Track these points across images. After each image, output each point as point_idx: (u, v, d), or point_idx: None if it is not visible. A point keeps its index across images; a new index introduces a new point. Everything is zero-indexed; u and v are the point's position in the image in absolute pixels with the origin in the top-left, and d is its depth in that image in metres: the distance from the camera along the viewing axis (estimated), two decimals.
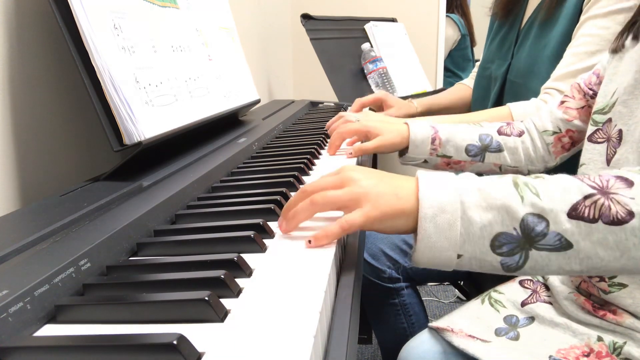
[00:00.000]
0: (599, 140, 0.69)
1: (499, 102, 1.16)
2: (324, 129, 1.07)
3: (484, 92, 1.24)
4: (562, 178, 0.46)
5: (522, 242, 0.44)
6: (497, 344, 0.65)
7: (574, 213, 0.43)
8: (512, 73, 1.11)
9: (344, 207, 0.49)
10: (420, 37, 2.05)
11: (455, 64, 2.46)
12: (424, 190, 0.46)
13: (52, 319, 0.38)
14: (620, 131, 0.65)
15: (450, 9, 2.45)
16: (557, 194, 0.44)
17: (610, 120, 0.67)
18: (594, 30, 0.92)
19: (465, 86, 1.41)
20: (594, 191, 0.44)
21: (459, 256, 0.45)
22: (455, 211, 0.44)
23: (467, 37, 2.49)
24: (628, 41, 0.69)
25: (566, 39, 0.98)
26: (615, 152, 0.65)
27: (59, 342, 0.34)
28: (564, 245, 0.43)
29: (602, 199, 0.43)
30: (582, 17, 0.95)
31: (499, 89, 1.15)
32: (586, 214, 0.43)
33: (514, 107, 0.98)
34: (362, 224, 0.47)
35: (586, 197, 0.43)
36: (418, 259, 0.46)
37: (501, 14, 1.19)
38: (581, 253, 0.43)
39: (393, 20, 1.93)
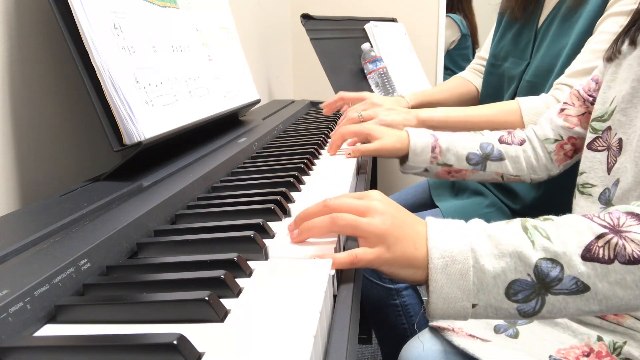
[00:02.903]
0: (599, 148, 0.69)
1: None
2: (324, 129, 1.07)
3: (494, 90, 1.21)
4: (571, 218, 0.45)
5: (538, 288, 0.43)
6: (497, 342, 0.65)
7: (588, 255, 0.42)
8: (528, 73, 1.08)
9: (361, 236, 0.48)
10: (420, 37, 2.05)
11: (455, 64, 2.45)
12: (433, 240, 0.45)
13: (52, 319, 0.38)
14: (620, 140, 0.65)
15: (452, 9, 2.44)
16: (568, 236, 0.43)
17: (609, 128, 0.67)
18: (614, 28, 0.90)
19: (464, 79, 1.35)
20: (606, 230, 0.43)
21: (473, 305, 0.44)
22: (466, 260, 0.44)
23: (469, 37, 2.47)
24: (625, 47, 0.68)
25: (588, 36, 0.96)
26: (615, 161, 0.65)
27: (59, 342, 0.34)
28: (580, 288, 0.42)
29: (615, 238, 0.42)
30: (605, 13, 0.93)
31: (514, 90, 1.12)
32: (601, 255, 0.42)
33: (523, 102, 0.96)
34: (371, 262, 0.46)
35: (599, 237, 0.42)
36: (433, 311, 0.45)
37: (516, 13, 1.14)
38: (599, 295, 0.42)
39: (393, 20, 1.93)
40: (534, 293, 0.43)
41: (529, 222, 0.46)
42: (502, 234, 0.45)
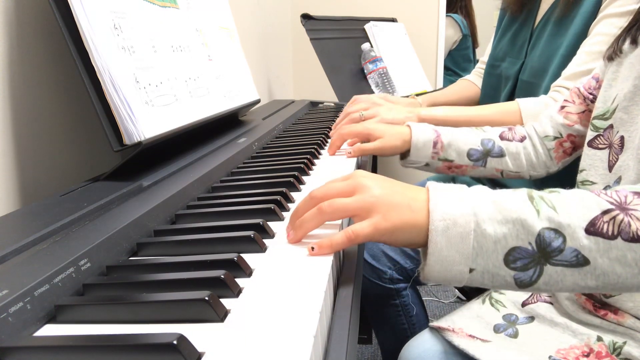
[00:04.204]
0: (600, 146, 0.69)
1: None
2: (324, 129, 1.07)
3: (493, 91, 1.21)
4: (578, 192, 0.45)
5: (537, 257, 0.43)
6: (497, 342, 0.65)
7: (592, 229, 0.42)
8: (524, 73, 1.08)
9: (353, 215, 0.47)
10: (420, 37, 2.05)
11: (456, 64, 2.45)
12: (435, 202, 0.44)
13: (52, 319, 0.38)
14: (622, 138, 0.65)
15: (453, 9, 2.44)
16: (574, 209, 0.43)
17: (611, 126, 0.67)
18: (610, 29, 0.90)
19: (469, 82, 1.37)
20: (612, 207, 0.42)
21: (470, 270, 0.43)
22: (468, 224, 0.43)
23: (469, 37, 2.48)
24: (626, 46, 0.68)
25: (583, 37, 0.96)
26: (617, 159, 0.65)
27: (59, 342, 0.34)
28: (580, 261, 0.42)
29: (621, 214, 0.42)
30: (600, 15, 0.93)
31: (510, 89, 1.12)
32: (605, 230, 0.42)
33: (522, 103, 0.96)
34: (370, 235, 0.45)
35: (605, 213, 0.42)
36: (428, 274, 0.45)
37: (514, 9, 1.15)
38: (597, 270, 0.42)
39: (393, 20, 1.93)
40: (533, 262, 0.43)
41: (535, 192, 0.45)
42: (507, 200, 0.44)
